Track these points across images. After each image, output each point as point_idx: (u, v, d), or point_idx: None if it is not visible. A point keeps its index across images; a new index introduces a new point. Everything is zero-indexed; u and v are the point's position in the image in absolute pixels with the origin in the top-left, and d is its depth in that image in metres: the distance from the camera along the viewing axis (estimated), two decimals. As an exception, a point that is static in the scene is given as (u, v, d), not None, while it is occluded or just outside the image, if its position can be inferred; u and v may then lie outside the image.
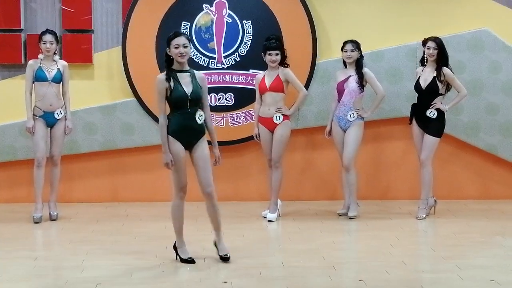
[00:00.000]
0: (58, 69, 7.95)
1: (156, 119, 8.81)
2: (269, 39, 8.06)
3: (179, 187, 6.31)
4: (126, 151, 8.99)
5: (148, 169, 9.02)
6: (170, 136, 6.15)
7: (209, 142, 6.34)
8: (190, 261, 6.25)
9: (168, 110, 6.18)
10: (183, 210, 6.36)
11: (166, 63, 6.17)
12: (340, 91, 8.14)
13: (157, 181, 9.04)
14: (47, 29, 8.03)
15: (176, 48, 6.07)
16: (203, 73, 8.61)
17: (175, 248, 6.41)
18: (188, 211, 8.54)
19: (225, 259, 6.24)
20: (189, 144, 6.18)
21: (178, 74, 6.13)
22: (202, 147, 6.19)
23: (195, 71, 6.25)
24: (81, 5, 8.81)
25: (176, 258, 6.35)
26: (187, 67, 6.20)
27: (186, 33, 6.25)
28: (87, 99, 8.83)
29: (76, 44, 8.81)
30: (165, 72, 6.14)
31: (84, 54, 8.82)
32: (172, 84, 6.06)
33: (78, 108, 8.68)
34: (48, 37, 7.89)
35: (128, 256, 6.53)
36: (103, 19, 8.92)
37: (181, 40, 6.07)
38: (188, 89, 6.09)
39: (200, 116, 6.14)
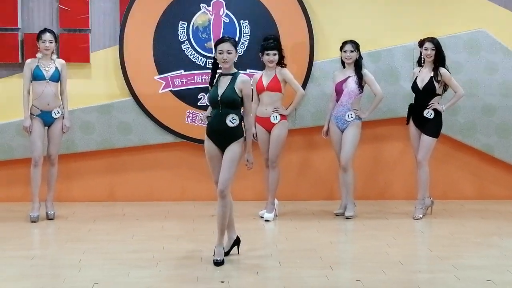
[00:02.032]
0: (56, 67, 7.93)
1: (152, 118, 8.83)
2: (267, 39, 8.07)
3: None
4: (123, 151, 8.97)
5: (145, 169, 9.02)
6: (206, 135, 6.31)
7: None
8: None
9: None
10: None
11: (213, 67, 6.33)
12: (339, 91, 8.14)
13: (154, 180, 9.05)
14: (45, 28, 8.03)
15: (220, 53, 6.20)
16: (198, 73, 8.74)
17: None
18: (187, 210, 8.61)
19: (215, 263, 6.19)
20: (222, 145, 6.23)
21: (221, 77, 6.27)
22: (230, 149, 6.19)
23: (240, 74, 6.29)
24: (78, 4, 8.78)
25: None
26: (233, 70, 6.30)
27: (232, 38, 6.34)
28: (84, 98, 8.80)
29: (73, 43, 8.79)
30: (211, 75, 6.34)
31: (81, 53, 8.80)
32: (213, 86, 6.27)
33: (75, 107, 8.65)
34: (47, 36, 7.88)
35: (125, 255, 6.52)
36: (100, 18, 8.91)
37: (225, 46, 6.20)
38: (221, 90, 6.18)
39: (232, 119, 6.17)
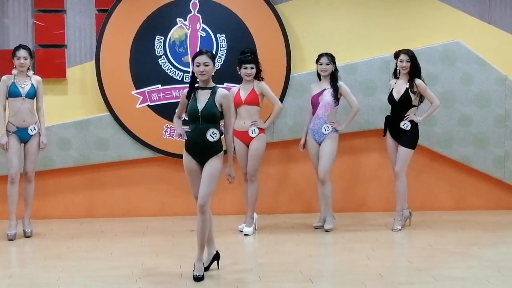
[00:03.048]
0: (32, 84, 7.88)
1: (130, 133, 8.80)
2: (244, 52, 8.08)
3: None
4: (101, 167, 8.93)
5: (123, 185, 8.98)
6: (185, 150, 6.26)
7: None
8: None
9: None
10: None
11: (191, 80, 6.29)
12: (315, 104, 8.16)
13: (133, 196, 9.00)
14: (20, 44, 7.96)
15: (197, 66, 6.18)
16: (176, 87, 8.71)
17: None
18: (166, 226, 8.57)
19: (195, 279, 6.13)
20: (201, 160, 6.20)
21: (199, 91, 6.23)
22: (210, 163, 6.16)
23: (220, 88, 6.26)
24: (54, 20, 8.77)
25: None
26: (211, 84, 6.27)
27: (210, 51, 6.35)
28: (61, 115, 8.77)
29: (49, 59, 8.76)
30: (188, 88, 6.29)
31: (57, 69, 8.78)
32: (190, 100, 6.22)
33: (52, 123, 8.62)
34: (22, 53, 7.83)
35: (104, 272, 6.47)
36: (76, 34, 8.88)
37: (202, 58, 6.17)
38: (201, 105, 6.15)
39: (213, 134, 6.13)
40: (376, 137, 8.79)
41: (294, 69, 8.95)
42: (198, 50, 6.46)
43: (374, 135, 8.90)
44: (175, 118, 6.52)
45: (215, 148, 6.17)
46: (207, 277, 6.23)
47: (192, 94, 6.24)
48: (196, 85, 6.29)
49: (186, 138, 6.23)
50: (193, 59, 6.28)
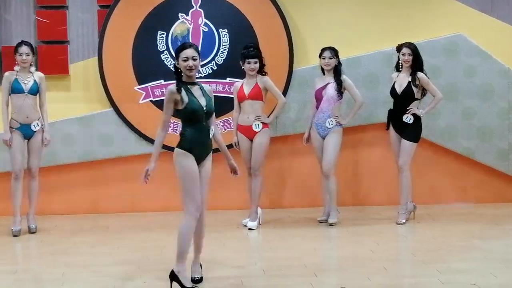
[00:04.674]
0: (35, 80, 7.89)
1: (134, 129, 8.80)
2: (247, 47, 8.07)
3: (195, 206, 5.73)
4: (104, 162, 8.94)
5: (128, 180, 8.97)
6: (185, 151, 5.79)
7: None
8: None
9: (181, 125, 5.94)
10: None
11: (176, 76, 5.83)
12: (318, 98, 8.16)
13: (137, 191, 9.01)
14: (22, 41, 7.98)
15: (184, 61, 5.73)
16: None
17: (172, 277, 5.77)
18: (171, 220, 8.57)
19: (195, 281, 5.94)
20: (200, 159, 5.83)
21: (189, 87, 5.80)
22: (207, 165, 5.87)
23: (203, 84, 5.95)
24: (56, 16, 8.78)
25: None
26: (195, 79, 5.88)
27: (195, 45, 5.95)
28: (64, 111, 8.79)
29: (52, 55, 8.78)
30: (176, 83, 5.79)
31: (60, 65, 8.79)
32: (185, 96, 5.73)
33: (56, 119, 8.63)
34: (24, 49, 7.84)
35: (109, 267, 6.48)
36: (79, 30, 8.89)
37: (189, 52, 5.74)
38: (202, 101, 5.78)
39: (211, 131, 5.84)
40: (379, 131, 8.79)
41: (296, 64, 8.95)
42: (181, 43, 5.98)
43: (377, 128, 8.90)
44: (160, 138, 5.91)
45: (211, 146, 5.90)
46: (212, 272, 6.23)
47: (185, 91, 5.76)
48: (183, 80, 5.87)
49: (147, 180, 5.83)
50: (178, 53, 5.80)
